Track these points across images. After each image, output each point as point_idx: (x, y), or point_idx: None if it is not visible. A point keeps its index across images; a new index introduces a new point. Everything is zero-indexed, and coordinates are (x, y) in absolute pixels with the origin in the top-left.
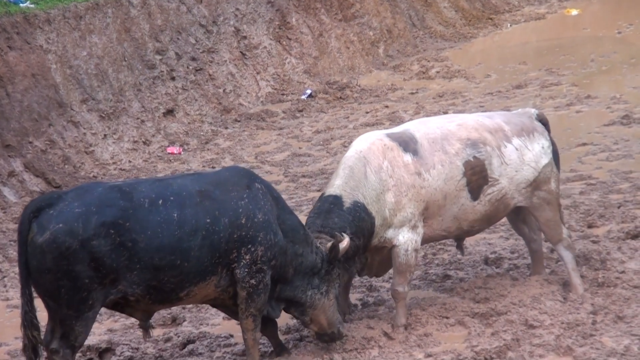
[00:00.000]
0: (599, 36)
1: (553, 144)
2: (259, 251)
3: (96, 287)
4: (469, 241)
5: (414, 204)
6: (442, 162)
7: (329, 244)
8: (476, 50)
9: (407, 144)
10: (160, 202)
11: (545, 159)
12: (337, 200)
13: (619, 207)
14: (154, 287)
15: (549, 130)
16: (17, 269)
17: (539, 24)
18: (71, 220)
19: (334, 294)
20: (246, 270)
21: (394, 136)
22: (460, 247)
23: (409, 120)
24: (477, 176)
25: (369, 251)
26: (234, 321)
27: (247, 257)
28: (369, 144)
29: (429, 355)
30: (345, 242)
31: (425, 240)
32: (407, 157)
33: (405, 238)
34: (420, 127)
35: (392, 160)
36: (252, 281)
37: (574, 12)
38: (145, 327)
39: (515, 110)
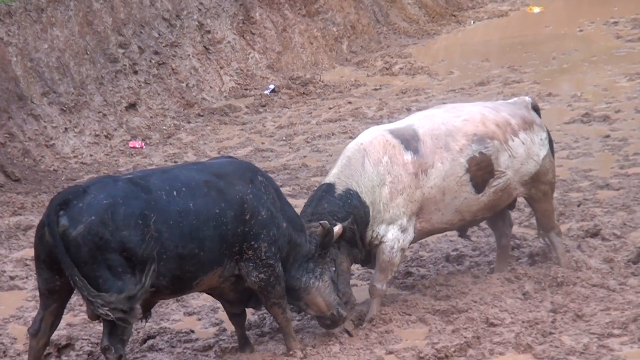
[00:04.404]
0: (560, 34)
1: (548, 133)
2: (262, 248)
3: (129, 278)
4: (430, 238)
5: (408, 204)
6: (443, 159)
7: (319, 229)
8: (439, 47)
9: (409, 142)
10: (174, 193)
11: (544, 150)
12: (329, 187)
13: (578, 206)
14: (177, 277)
15: (539, 117)
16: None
17: (502, 22)
18: (101, 212)
19: (328, 275)
20: (251, 264)
21: (397, 133)
22: (464, 235)
23: (372, 117)
24: (482, 171)
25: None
26: (194, 317)
27: (250, 252)
28: (371, 137)
29: (390, 352)
30: (338, 227)
31: (427, 234)
32: (408, 156)
33: (393, 236)
34: (425, 123)
35: (392, 157)
36: (261, 275)
37: (537, 9)
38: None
39: (510, 100)
